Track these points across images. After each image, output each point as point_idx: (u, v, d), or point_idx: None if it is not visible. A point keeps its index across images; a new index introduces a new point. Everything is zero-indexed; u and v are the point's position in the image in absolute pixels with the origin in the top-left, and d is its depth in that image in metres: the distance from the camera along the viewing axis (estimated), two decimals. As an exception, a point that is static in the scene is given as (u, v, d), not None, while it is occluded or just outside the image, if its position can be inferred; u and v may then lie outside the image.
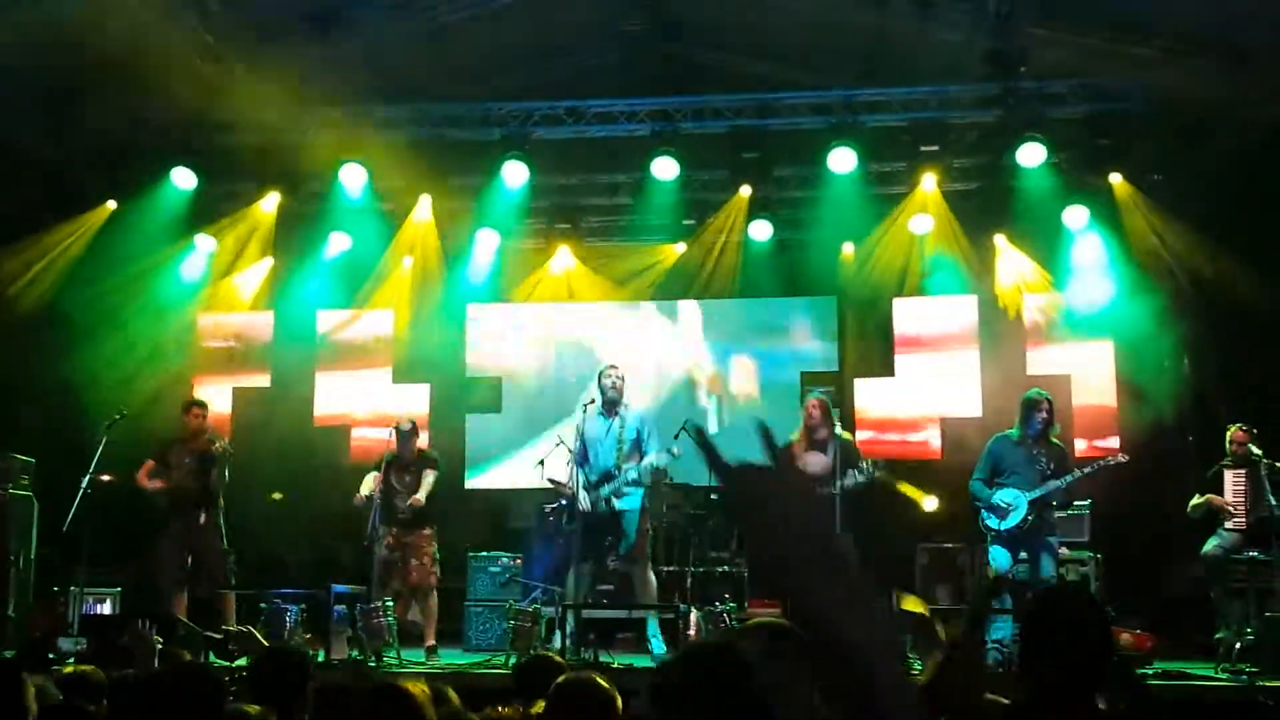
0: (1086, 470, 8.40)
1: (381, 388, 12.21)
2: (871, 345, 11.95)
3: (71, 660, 6.77)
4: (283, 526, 11.47)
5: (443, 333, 12.35)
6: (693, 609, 8.38)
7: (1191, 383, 10.62)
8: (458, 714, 3.60)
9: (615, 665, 7.79)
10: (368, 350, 12.48)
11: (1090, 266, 10.91)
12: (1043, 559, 8.20)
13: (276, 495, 11.71)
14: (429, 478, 9.24)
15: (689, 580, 9.12)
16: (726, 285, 12.07)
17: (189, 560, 9.16)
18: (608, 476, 8.88)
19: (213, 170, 11.10)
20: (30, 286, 10.96)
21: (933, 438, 11.55)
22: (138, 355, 11.17)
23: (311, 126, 11.07)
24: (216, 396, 11.03)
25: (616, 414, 9.01)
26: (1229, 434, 8.67)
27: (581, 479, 8.84)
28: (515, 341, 12.49)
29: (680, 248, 12.22)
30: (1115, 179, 10.49)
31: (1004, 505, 8.22)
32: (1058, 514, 8.73)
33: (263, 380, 12.25)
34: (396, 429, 9.29)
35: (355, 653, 8.21)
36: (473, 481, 12.07)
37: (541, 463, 9.57)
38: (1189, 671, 7.72)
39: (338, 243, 11.69)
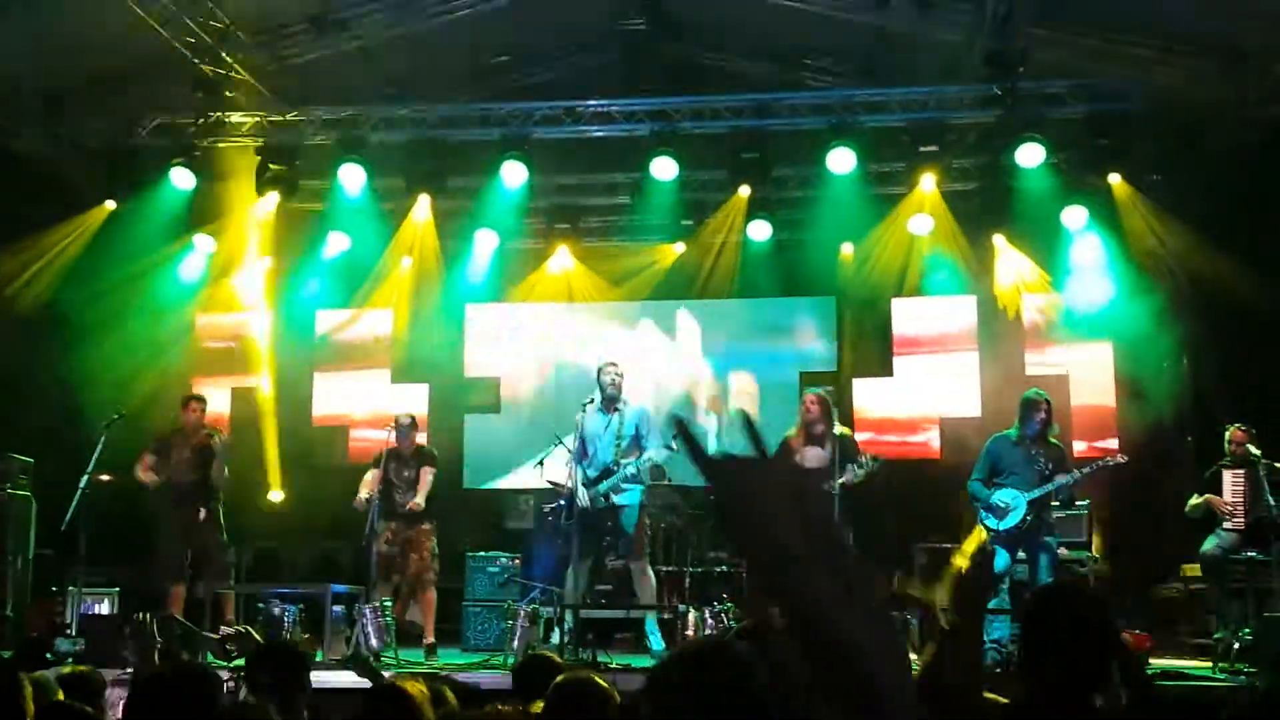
0: (1085, 470, 8.40)
1: (380, 388, 12.22)
2: (870, 345, 11.96)
3: (70, 660, 6.77)
4: (281, 526, 11.47)
5: (441, 333, 12.36)
6: (691, 609, 8.38)
7: (1190, 383, 10.63)
8: (456, 714, 3.60)
9: (613, 665, 7.78)
10: (366, 350, 12.49)
11: (1089, 267, 10.91)
12: (1041, 559, 8.19)
13: (275, 496, 11.71)
14: (427, 476, 9.29)
15: (687, 580, 9.12)
16: (725, 285, 12.07)
17: (188, 556, 9.18)
18: (606, 472, 8.88)
19: (211, 170, 11.09)
20: (28, 286, 10.95)
21: (932, 438, 11.55)
22: (136, 355, 11.15)
23: (310, 126, 11.06)
24: (215, 397, 11.02)
25: (615, 410, 9.01)
26: (1228, 434, 8.67)
27: (580, 475, 8.85)
28: (514, 342, 12.49)
29: (679, 248, 12.22)
30: (1114, 179, 10.48)
31: (1003, 505, 8.22)
32: (1057, 514, 8.73)
33: (261, 380, 12.25)
34: (396, 423, 9.37)
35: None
36: (471, 482, 12.07)
37: (540, 463, 9.57)
38: (1187, 671, 7.72)
39: (336, 243, 11.67)
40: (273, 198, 11.26)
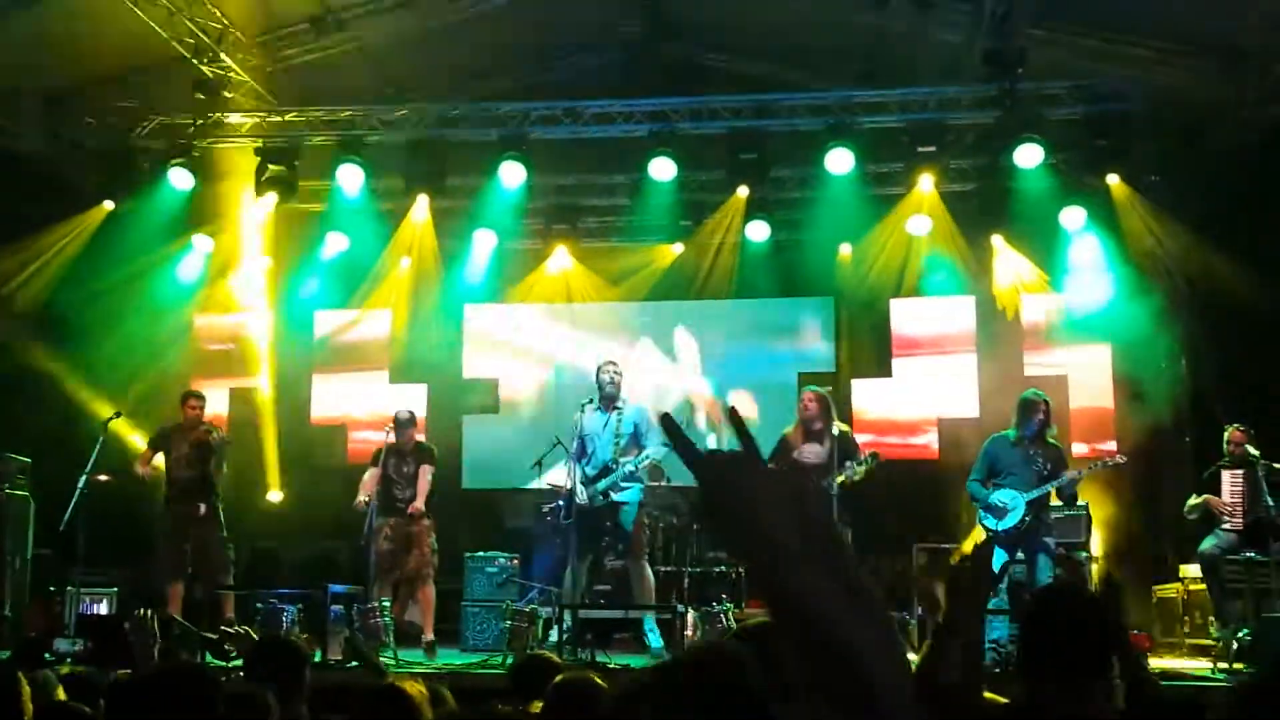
0: (1085, 470, 8.41)
1: (379, 388, 12.21)
2: (869, 346, 11.95)
3: (69, 660, 6.76)
4: (280, 526, 11.47)
5: (440, 333, 12.37)
6: (690, 609, 8.37)
7: (1189, 383, 10.63)
8: (454, 714, 3.59)
9: (612, 665, 7.77)
10: (365, 351, 12.48)
11: (1088, 267, 10.91)
12: (1040, 560, 8.19)
13: (274, 496, 11.71)
14: (427, 476, 9.33)
15: (686, 581, 9.11)
16: (724, 286, 12.07)
17: (188, 554, 9.18)
18: (605, 471, 8.88)
19: (210, 170, 11.08)
20: (27, 286, 10.95)
21: (930, 438, 11.55)
22: (134, 355, 11.16)
23: (309, 127, 11.06)
24: (214, 397, 11.01)
25: (615, 409, 9.01)
26: (1226, 434, 8.67)
27: (579, 474, 8.85)
28: (512, 342, 12.49)
29: (678, 248, 12.23)
30: (1113, 180, 10.48)
31: (1001, 505, 8.21)
32: (1056, 514, 8.73)
33: (260, 381, 12.25)
34: (395, 418, 9.41)
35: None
36: (469, 482, 12.07)
37: (539, 463, 9.58)
38: (1186, 671, 7.72)
39: (335, 243, 11.67)
40: (271, 198, 11.25)
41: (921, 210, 11.02)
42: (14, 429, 10.13)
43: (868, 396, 11.74)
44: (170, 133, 10.98)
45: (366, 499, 9.10)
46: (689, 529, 9.83)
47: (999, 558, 8.20)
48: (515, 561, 9.81)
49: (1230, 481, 8.61)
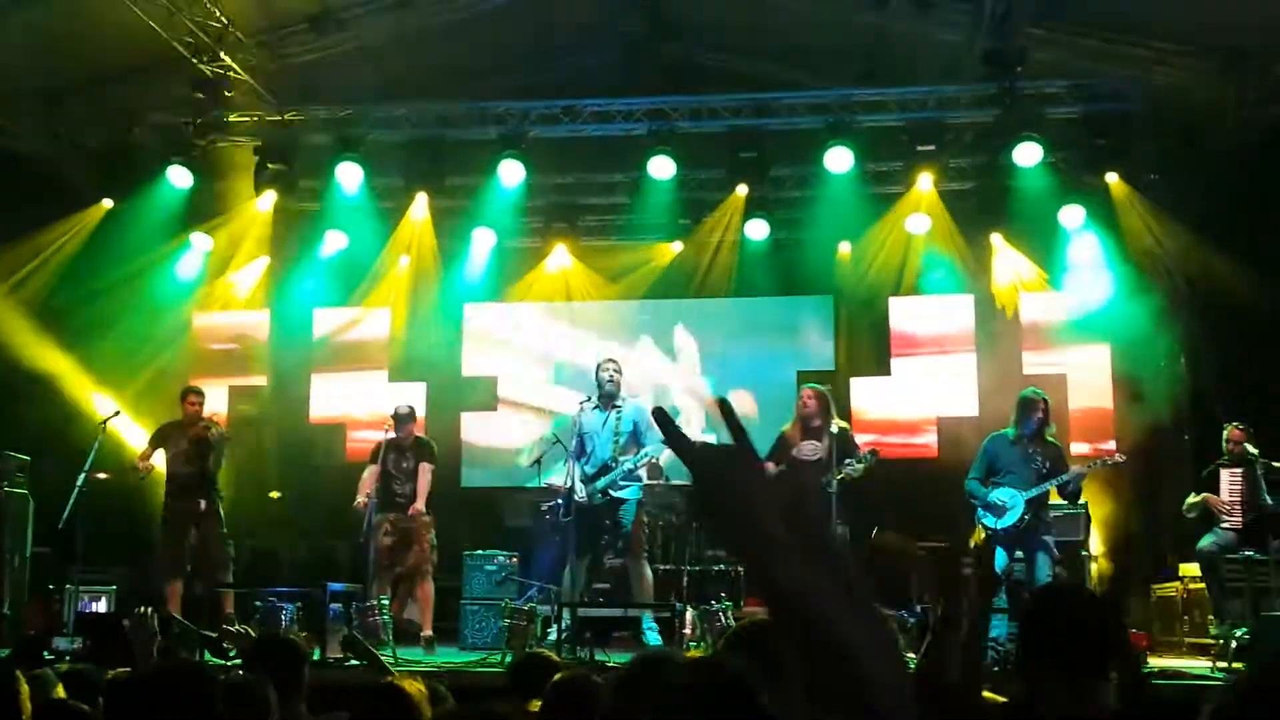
0: (1084, 468, 8.41)
1: (378, 387, 12.20)
2: (868, 344, 11.95)
3: (68, 659, 6.75)
4: (279, 525, 11.47)
5: (439, 332, 12.36)
6: (689, 608, 8.37)
7: (1188, 382, 10.62)
8: (453, 713, 3.59)
9: (611, 664, 7.77)
10: (364, 350, 12.47)
11: (1087, 266, 10.91)
12: (1039, 558, 8.18)
13: (275, 494, 11.70)
14: (426, 475, 9.36)
15: (685, 579, 9.11)
16: (723, 284, 12.07)
17: (187, 550, 9.19)
18: (604, 469, 8.87)
19: (209, 168, 11.08)
20: (25, 284, 10.94)
21: (929, 437, 11.55)
22: (134, 354, 11.16)
23: (308, 125, 11.05)
24: (213, 395, 11.00)
25: (614, 407, 9.01)
26: (1225, 433, 8.68)
27: (579, 472, 8.85)
28: (512, 341, 12.49)
29: (677, 247, 12.22)
30: (1112, 179, 10.49)
31: (1000, 504, 8.21)
32: (1055, 513, 8.73)
33: (259, 379, 12.25)
34: (395, 412, 9.43)
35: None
36: (469, 481, 12.07)
37: (538, 462, 9.58)
38: (1185, 670, 7.72)
39: (334, 241, 11.66)
40: (270, 196, 11.26)
41: (921, 209, 11.02)
42: (13, 427, 10.13)
43: (867, 395, 11.74)
44: (169, 131, 10.97)
45: (366, 499, 9.10)
46: (688, 527, 9.82)
47: (1000, 558, 8.22)
48: (514, 560, 9.81)
49: (1229, 480, 8.62)
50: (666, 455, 8.92)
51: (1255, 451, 8.44)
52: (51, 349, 10.88)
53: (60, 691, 4.07)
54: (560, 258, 12.25)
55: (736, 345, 12.16)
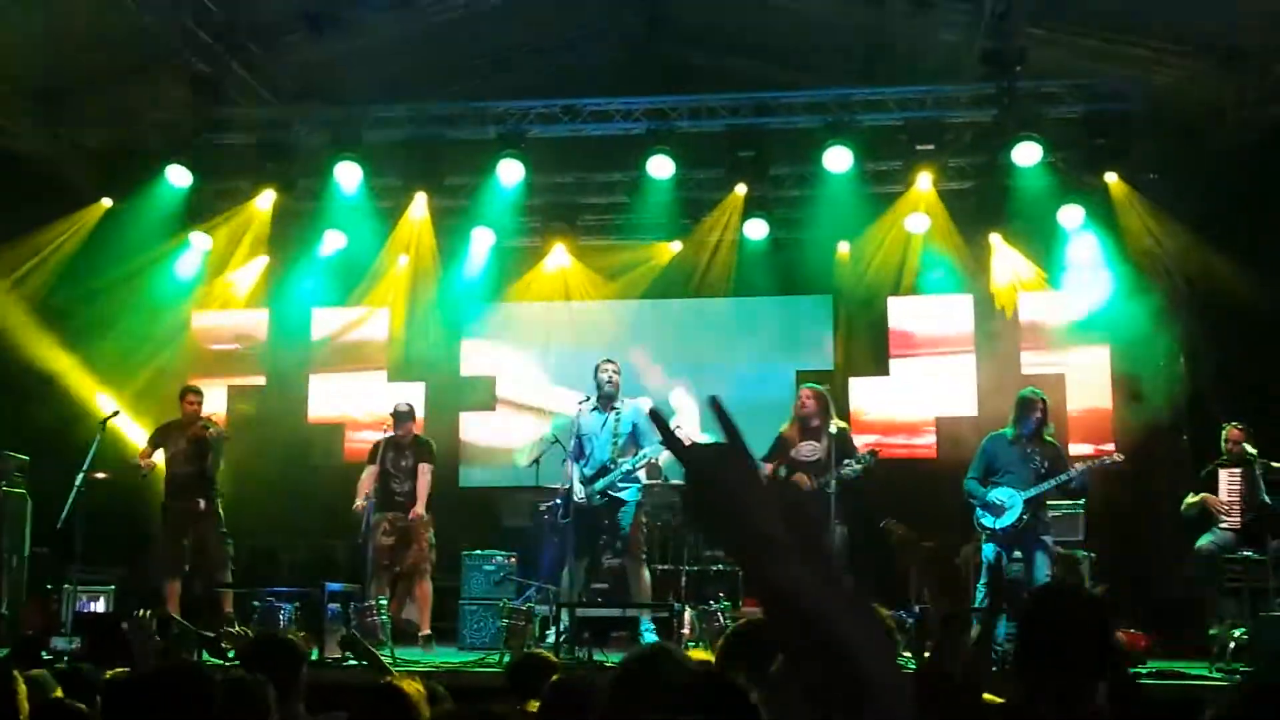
0: (1083, 468, 8.40)
1: (376, 387, 12.19)
2: (867, 344, 11.94)
3: (66, 659, 6.75)
4: (277, 525, 11.45)
5: (438, 331, 12.35)
6: (687, 608, 8.37)
7: (1187, 382, 10.62)
8: (451, 713, 3.59)
9: (609, 664, 7.77)
10: (363, 349, 12.47)
11: (1086, 266, 10.91)
12: (1038, 558, 8.18)
13: (272, 495, 11.69)
14: (426, 475, 9.38)
15: (683, 579, 9.11)
16: (722, 284, 12.05)
17: (186, 550, 9.19)
18: (603, 470, 8.87)
19: (208, 168, 11.08)
20: (25, 283, 10.94)
21: (928, 437, 11.55)
22: (132, 353, 11.15)
23: (307, 124, 11.05)
24: (212, 395, 11.01)
25: (612, 408, 9.00)
26: (1224, 433, 8.68)
27: (577, 473, 8.85)
28: (510, 340, 12.48)
29: (676, 246, 12.22)
30: (1111, 178, 10.49)
31: (999, 504, 8.21)
32: (1053, 513, 8.73)
33: (258, 379, 12.25)
34: (394, 410, 9.47)
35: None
36: (467, 480, 12.07)
37: (536, 462, 9.58)
38: (1183, 671, 7.71)
39: (333, 241, 11.66)
40: (269, 196, 11.25)
41: (920, 208, 11.01)
42: (11, 426, 10.13)
43: (866, 396, 11.73)
44: (169, 131, 10.96)
45: (364, 502, 9.10)
46: (686, 527, 9.82)
47: (988, 552, 8.24)
48: (513, 560, 9.81)
49: (1228, 480, 8.61)
50: (665, 456, 8.92)
51: (1254, 451, 8.44)
52: (51, 348, 10.88)
53: (58, 692, 4.07)
54: (559, 257, 12.24)
55: (735, 345, 12.15)
